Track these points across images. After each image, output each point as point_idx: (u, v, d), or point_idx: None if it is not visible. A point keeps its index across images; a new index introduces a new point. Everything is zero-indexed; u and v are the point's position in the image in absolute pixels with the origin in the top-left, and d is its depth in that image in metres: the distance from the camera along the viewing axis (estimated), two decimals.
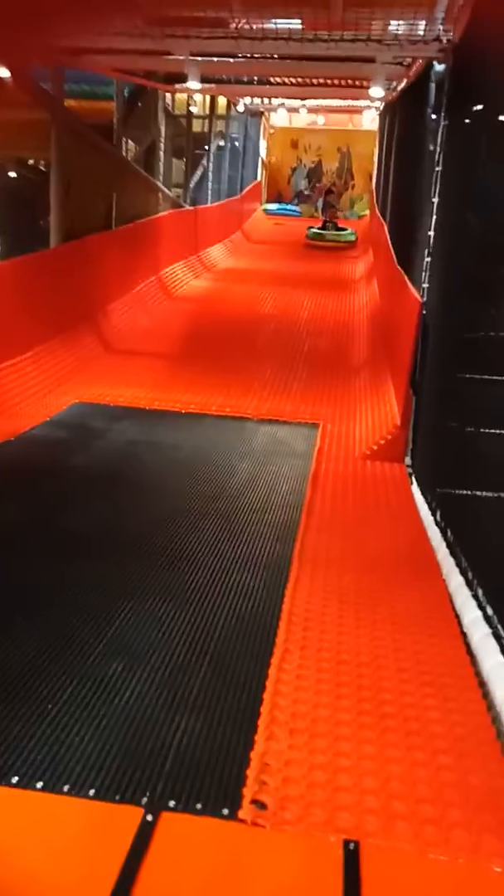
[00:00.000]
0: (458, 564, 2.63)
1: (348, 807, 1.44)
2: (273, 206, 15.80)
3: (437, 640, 2.11)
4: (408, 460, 4.02)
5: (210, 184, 11.19)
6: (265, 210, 15.55)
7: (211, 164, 11.16)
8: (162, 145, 9.01)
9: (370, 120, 13.65)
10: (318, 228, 12.83)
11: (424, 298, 4.17)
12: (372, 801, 1.46)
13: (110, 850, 1.28)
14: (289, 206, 15.96)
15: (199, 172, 10.92)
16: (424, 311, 4.09)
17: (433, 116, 4.76)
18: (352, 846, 1.32)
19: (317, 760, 1.56)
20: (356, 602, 2.31)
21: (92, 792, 1.42)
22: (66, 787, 1.42)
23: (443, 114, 4.28)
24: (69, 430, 4.25)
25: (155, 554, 2.65)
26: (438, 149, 4.32)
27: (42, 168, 7.05)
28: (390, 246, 7.12)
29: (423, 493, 3.56)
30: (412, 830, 1.39)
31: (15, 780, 1.43)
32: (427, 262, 4.22)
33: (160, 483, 3.53)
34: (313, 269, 10.57)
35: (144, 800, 1.41)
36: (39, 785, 1.42)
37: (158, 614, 2.17)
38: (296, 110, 13.40)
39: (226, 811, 1.39)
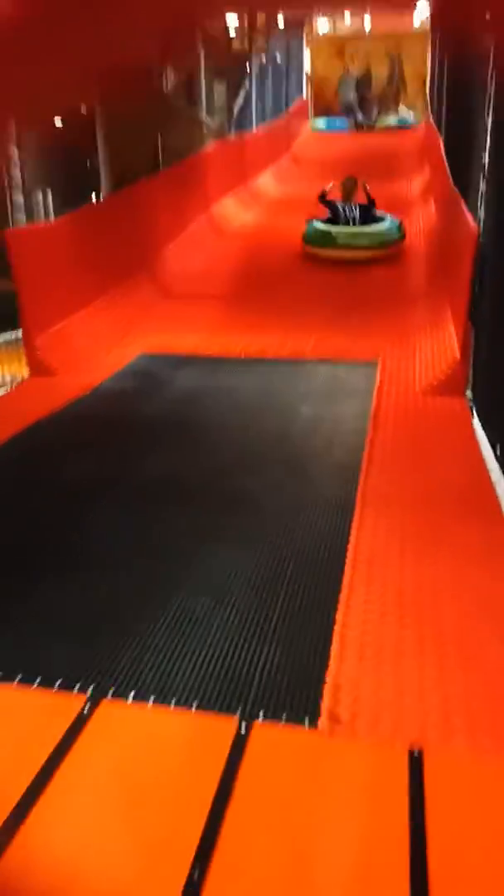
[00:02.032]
0: None
1: (413, 721, 1.66)
2: (321, 123, 15.04)
3: (496, 574, 2.27)
4: (468, 394, 4.07)
5: (254, 106, 10.80)
6: (313, 127, 14.84)
7: (253, 85, 10.75)
8: (202, 69, 8.74)
9: (421, 20, 12.33)
10: (325, 222, 6.67)
11: (481, 225, 4.09)
12: (434, 716, 1.68)
13: (213, 752, 1.55)
14: (337, 121, 15.15)
15: (241, 95, 10.55)
16: (481, 239, 4.02)
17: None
18: (416, 753, 1.55)
19: (384, 681, 1.78)
20: (417, 539, 2.49)
21: (195, 705, 1.69)
22: (173, 701, 1.70)
23: None
24: (137, 381, 4.48)
25: (225, 498, 2.87)
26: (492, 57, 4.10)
27: (84, 113, 7.02)
28: (445, 163, 6.83)
29: (483, 427, 3.63)
30: (469, 740, 1.61)
31: (132, 695, 1.71)
32: (483, 190, 4.11)
33: (225, 429, 3.73)
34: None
35: (239, 711, 1.67)
36: (152, 698, 1.70)
37: (234, 555, 2.41)
38: (339, 14, 12.54)
39: (307, 721, 1.64)
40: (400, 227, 6.72)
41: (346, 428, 3.67)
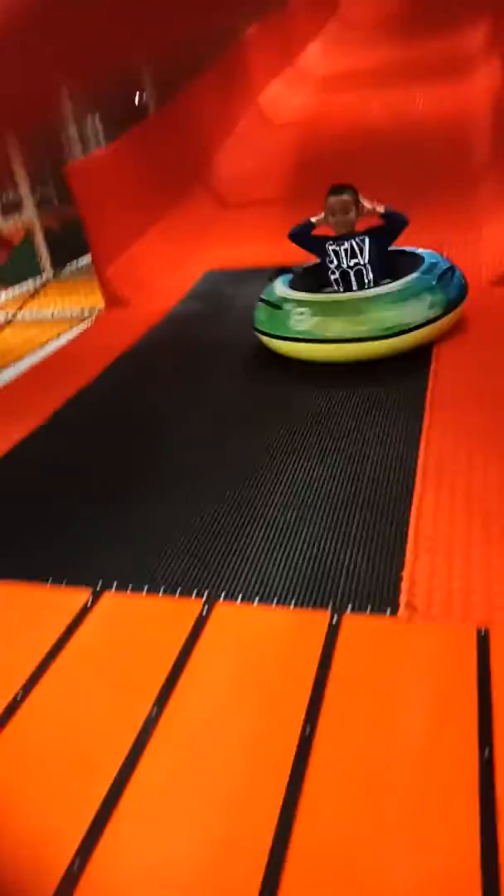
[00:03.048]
0: None
1: (480, 604, 1.93)
2: None
3: None
4: None
5: None
6: None
7: None
8: None
9: None
10: (303, 277, 3.60)
11: None
12: (499, 599, 1.94)
13: (312, 640, 1.89)
14: None
15: None
16: None
17: None
18: (483, 632, 1.83)
19: (455, 573, 2.05)
20: (485, 439, 2.66)
21: (293, 602, 2.03)
22: (275, 601, 2.04)
23: None
24: (205, 301, 4.65)
25: (298, 414, 3.09)
26: None
27: None
28: None
29: None
30: None
31: (240, 597, 2.07)
32: None
33: None
34: (426, 50, 9.30)
35: (330, 606, 1.99)
36: (257, 599, 2.05)
37: (312, 468, 2.67)
38: None
39: (388, 611, 1.95)
40: (449, 279, 3.32)
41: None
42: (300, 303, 3.29)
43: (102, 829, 1.50)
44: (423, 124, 6.88)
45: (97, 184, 4.65)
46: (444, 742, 1.60)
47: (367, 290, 3.29)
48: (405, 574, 2.07)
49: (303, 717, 1.68)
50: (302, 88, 8.83)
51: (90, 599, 2.14)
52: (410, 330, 3.20)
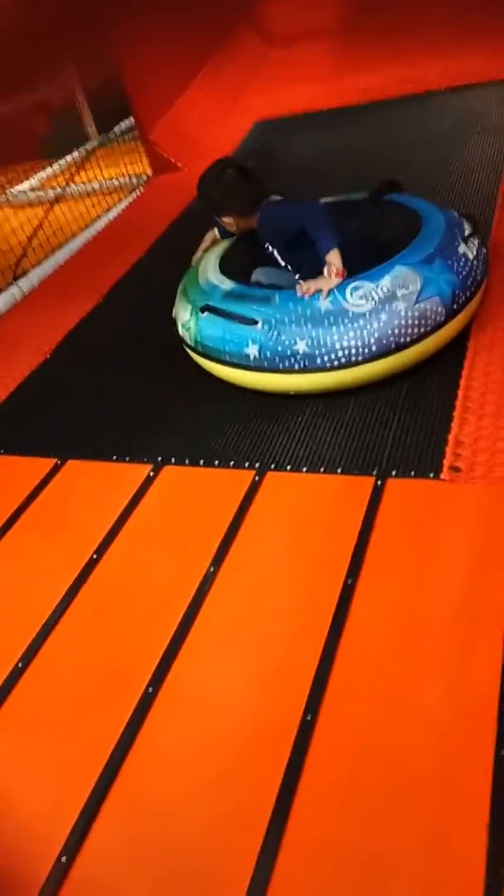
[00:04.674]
0: None
1: None
2: None
3: None
4: None
5: None
6: None
7: None
8: None
9: None
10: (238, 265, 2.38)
11: None
12: None
13: (356, 503, 2.01)
14: None
15: None
16: None
17: None
18: None
19: (500, 435, 2.07)
20: None
21: (340, 469, 2.13)
22: (322, 469, 2.15)
23: None
24: (258, 156, 4.40)
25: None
26: None
27: None
28: None
29: None
30: None
31: (289, 467, 2.19)
32: None
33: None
34: None
35: (375, 472, 2.09)
36: (305, 469, 2.17)
37: None
38: None
39: (431, 475, 2.02)
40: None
41: (478, 177, 3.46)
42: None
43: (171, 661, 1.76)
44: None
45: (135, 32, 4.31)
46: (478, 588, 1.72)
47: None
48: (450, 439, 2.11)
49: (346, 569, 1.83)
50: None
51: (152, 472, 2.32)
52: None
